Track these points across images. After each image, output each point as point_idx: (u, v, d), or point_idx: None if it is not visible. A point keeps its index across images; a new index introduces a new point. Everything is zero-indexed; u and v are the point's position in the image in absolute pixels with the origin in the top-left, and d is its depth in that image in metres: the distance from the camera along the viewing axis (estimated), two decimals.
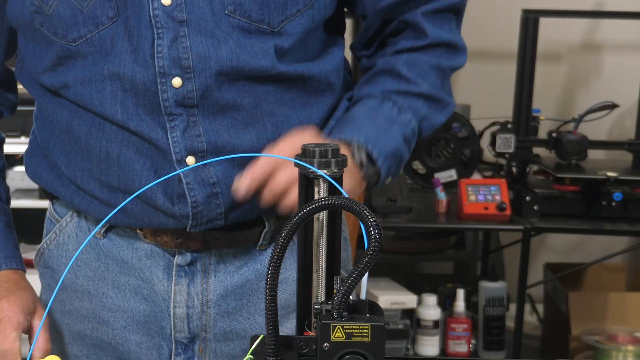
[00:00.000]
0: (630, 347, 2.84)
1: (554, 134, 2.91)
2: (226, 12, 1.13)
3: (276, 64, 1.15)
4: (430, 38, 1.23)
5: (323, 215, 0.92)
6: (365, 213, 0.83)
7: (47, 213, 1.33)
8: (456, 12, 1.27)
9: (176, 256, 1.21)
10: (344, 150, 1.07)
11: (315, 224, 0.93)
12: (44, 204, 1.34)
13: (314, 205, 0.85)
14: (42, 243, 1.31)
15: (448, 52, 1.25)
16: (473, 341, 2.93)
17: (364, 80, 1.25)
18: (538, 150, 3.09)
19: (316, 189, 0.92)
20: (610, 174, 2.79)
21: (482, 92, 3.50)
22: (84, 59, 1.15)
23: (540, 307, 3.33)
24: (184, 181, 1.15)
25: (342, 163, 0.92)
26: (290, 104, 1.19)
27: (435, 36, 1.24)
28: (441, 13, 1.25)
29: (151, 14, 1.11)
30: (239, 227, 1.21)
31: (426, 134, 1.25)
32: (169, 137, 1.14)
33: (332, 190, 0.91)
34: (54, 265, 1.29)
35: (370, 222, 0.83)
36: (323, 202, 0.85)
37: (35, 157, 1.28)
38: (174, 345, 1.25)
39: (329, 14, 1.21)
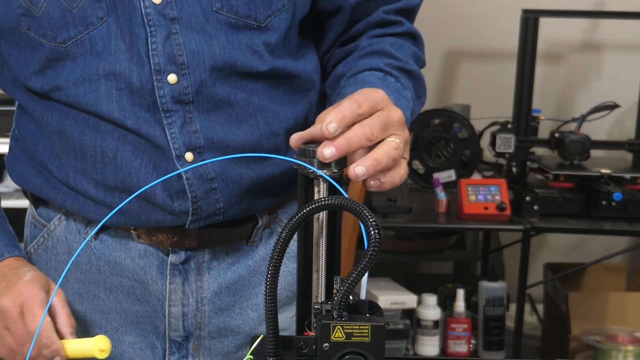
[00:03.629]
0: (630, 347, 2.84)
1: (556, 134, 2.91)
2: (214, 9, 1.14)
3: (265, 61, 1.17)
4: (406, 27, 1.26)
5: (323, 215, 0.92)
6: (365, 213, 0.83)
7: (29, 218, 1.32)
8: (411, 16, 1.29)
9: (170, 255, 1.22)
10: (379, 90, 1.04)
11: (315, 224, 0.93)
12: None
13: (314, 205, 0.85)
14: (27, 249, 1.30)
15: (418, 45, 1.28)
16: (473, 341, 2.93)
17: (353, 59, 1.24)
18: (537, 150, 3.09)
19: (316, 189, 0.92)
20: (604, 170, 2.79)
21: (482, 92, 3.50)
22: (74, 61, 1.15)
23: (540, 307, 3.33)
24: (184, 177, 1.15)
25: (342, 163, 0.92)
26: (279, 101, 1.21)
27: (409, 26, 1.27)
28: (401, 13, 1.27)
29: (143, 12, 1.12)
30: (233, 223, 1.22)
31: (412, 119, 1.21)
32: (167, 133, 1.15)
33: (332, 190, 0.91)
34: (42, 269, 1.27)
35: (370, 222, 0.83)
36: (323, 202, 0.85)
37: (20, 162, 1.27)
38: (167, 344, 1.25)
39: (306, 12, 1.23)
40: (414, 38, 1.28)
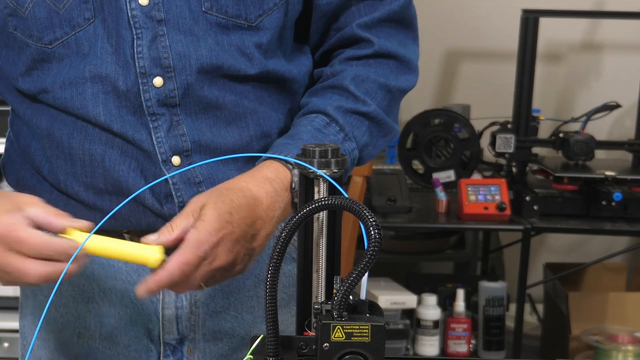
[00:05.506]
0: (630, 347, 2.84)
1: (560, 134, 2.90)
2: (203, 9, 1.13)
3: (254, 64, 1.16)
4: (376, 47, 1.21)
5: (323, 215, 0.92)
6: (365, 213, 0.83)
7: None
8: (401, 22, 1.24)
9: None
10: (285, 170, 1.09)
11: (315, 224, 0.93)
12: None
13: (314, 205, 0.85)
14: None
15: (397, 67, 1.23)
16: (473, 341, 2.93)
17: (313, 91, 1.23)
18: (539, 150, 3.09)
19: (316, 189, 0.92)
20: (608, 173, 2.79)
21: (482, 92, 3.50)
22: (60, 62, 1.14)
23: (540, 307, 3.33)
24: (170, 181, 1.15)
25: (342, 163, 0.92)
26: (269, 103, 1.20)
27: (382, 45, 1.21)
28: (384, 23, 1.22)
29: (129, 14, 1.11)
30: None
31: (366, 161, 1.23)
32: (153, 137, 1.14)
33: (332, 190, 0.91)
34: None
35: (370, 222, 0.83)
36: (323, 202, 0.85)
37: (14, 164, 1.26)
38: (162, 347, 1.24)
39: (300, 10, 1.21)
40: (392, 57, 1.23)
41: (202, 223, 1.03)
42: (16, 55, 1.17)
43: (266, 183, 1.09)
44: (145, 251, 1.02)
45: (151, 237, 1.03)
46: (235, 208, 1.05)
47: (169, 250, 1.03)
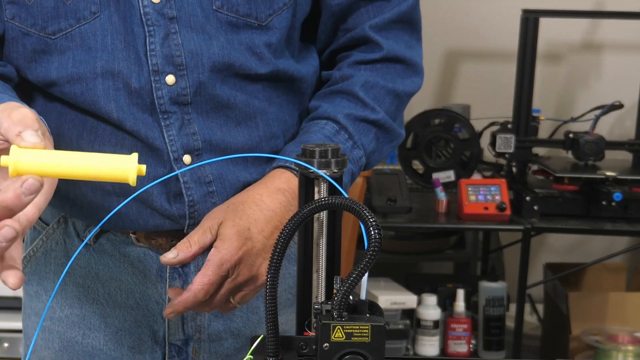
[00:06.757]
0: (630, 347, 2.84)
1: (570, 135, 2.89)
2: (214, 7, 1.13)
3: (265, 63, 1.16)
4: (385, 51, 1.21)
5: (323, 215, 0.92)
6: (365, 213, 0.83)
7: None
8: (409, 23, 1.24)
9: None
10: (296, 179, 1.09)
11: (315, 224, 0.93)
12: None
13: (314, 205, 0.85)
14: (27, 251, 1.28)
15: (404, 71, 1.24)
16: (473, 341, 2.93)
17: (322, 94, 1.24)
18: (542, 150, 3.09)
19: (316, 189, 0.92)
20: (609, 173, 2.79)
21: (482, 92, 3.50)
22: (61, 54, 1.13)
23: (540, 307, 3.33)
24: (181, 180, 1.15)
25: (342, 163, 0.92)
26: (278, 103, 1.20)
27: (390, 49, 1.22)
28: (393, 24, 1.22)
29: (141, 11, 1.11)
30: None
31: (371, 167, 1.25)
32: (165, 135, 1.14)
33: (332, 190, 0.91)
34: (41, 272, 1.27)
35: (370, 222, 0.83)
36: (323, 202, 0.85)
37: None
38: (167, 348, 1.24)
39: (308, 11, 1.21)
40: (399, 61, 1.23)
41: (222, 242, 1.07)
42: (13, 46, 1.15)
43: (279, 193, 1.12)
44: (124, 164, 0.86)
45: (170, 255, 1.08)
46: (252, 222, 1.09)
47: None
